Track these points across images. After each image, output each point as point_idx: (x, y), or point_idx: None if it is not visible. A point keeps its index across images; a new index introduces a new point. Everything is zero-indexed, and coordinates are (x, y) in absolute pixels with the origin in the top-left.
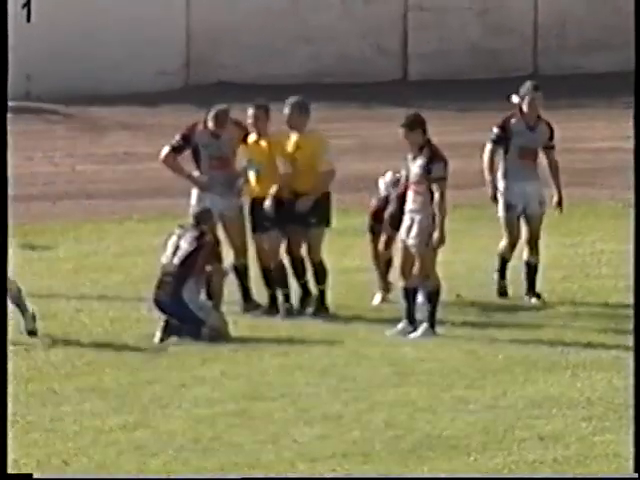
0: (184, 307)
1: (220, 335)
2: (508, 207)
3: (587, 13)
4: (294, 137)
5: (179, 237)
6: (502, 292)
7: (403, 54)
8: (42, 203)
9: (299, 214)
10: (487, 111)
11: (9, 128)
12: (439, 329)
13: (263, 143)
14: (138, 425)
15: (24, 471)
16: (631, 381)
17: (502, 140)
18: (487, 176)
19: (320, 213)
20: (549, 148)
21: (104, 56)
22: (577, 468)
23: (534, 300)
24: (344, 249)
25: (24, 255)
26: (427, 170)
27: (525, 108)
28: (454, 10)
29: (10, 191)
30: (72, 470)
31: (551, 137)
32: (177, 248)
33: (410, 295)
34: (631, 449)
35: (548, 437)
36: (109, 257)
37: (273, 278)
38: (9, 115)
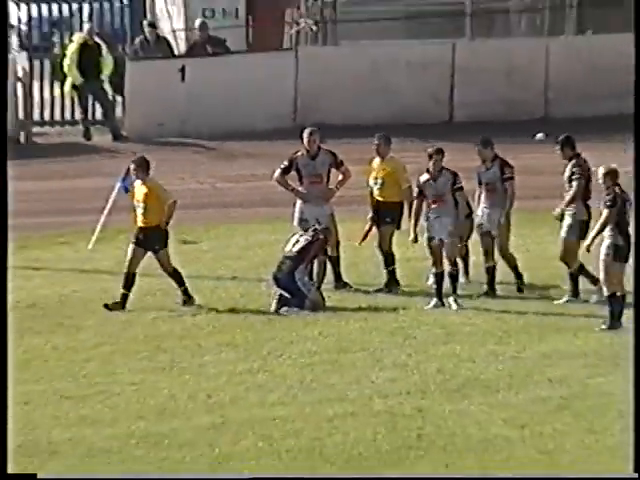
0: (294, 284)
1: (318, 306)
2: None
3: (584, 73)
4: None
5: (300, 235)
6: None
7: (450, 102)
8: (191, 210)
9: (384, 216)
10: (510, 145)
11: (170, 157)
12: (478, 302)
13: (384, 164)
14: (260, 370)
15: (181, 401)
16: (631, 374)
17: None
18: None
19: (394, 216)
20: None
21: (237, 104)
22: (576, 402)
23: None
24: (408, 244)
25: (179, 248)
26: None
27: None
28: (488, 70)
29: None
30: (212, 401)
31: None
32: (297, 242)
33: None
34: (631, 449)
35: (555, 380)
36: (238, 249)
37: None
38: (170, 148)
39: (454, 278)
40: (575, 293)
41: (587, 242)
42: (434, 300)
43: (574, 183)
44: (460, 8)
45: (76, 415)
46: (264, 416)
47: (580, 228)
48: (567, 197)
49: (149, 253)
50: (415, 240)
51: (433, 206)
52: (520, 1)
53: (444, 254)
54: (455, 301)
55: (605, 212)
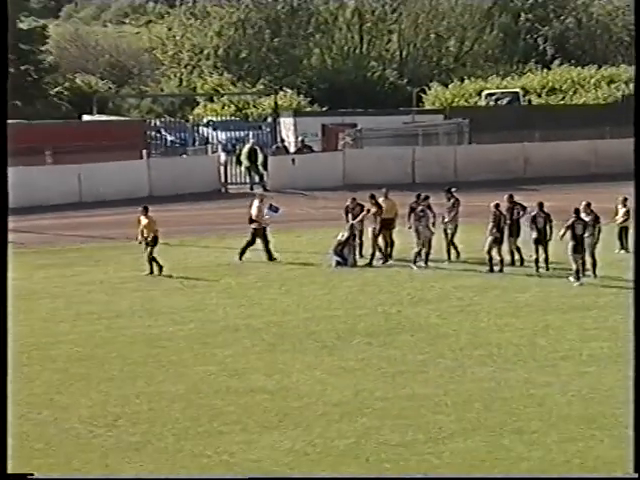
0: (342, 254)
1: (354, 265)
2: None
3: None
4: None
5: (343, 231)
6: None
7: (412, 174)
8: (303, 222)
9: None
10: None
11: (284, 199)
12: None
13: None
14: (326, 287)
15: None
16: (631, 373)
17: None
18: None
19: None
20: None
21: (319, 174)
22: (591, 341)
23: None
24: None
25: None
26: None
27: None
28: (422, 159)
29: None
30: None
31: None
32: (341, 235)
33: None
34: (631, 449)
35: (582, 328)
36: (322, 241)
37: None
38: (285, 195)
39: None
40: None
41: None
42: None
43: None
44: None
45: None
46: None
47: None
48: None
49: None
50: None
51: None
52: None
53: None
54: None
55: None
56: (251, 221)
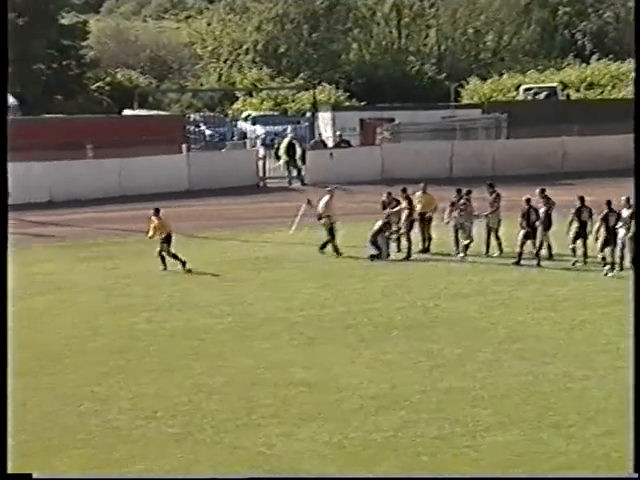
0: (376, 243)
1: (387, 256)
2: None
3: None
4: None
5: (377, 222)
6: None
7: (450, 167)
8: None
9: None
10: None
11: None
12: None
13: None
14: (364, 280)
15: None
16: (631, 373)
17: None
18: None
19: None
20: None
21: (351, 168)
22: (628, 336)
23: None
24: None
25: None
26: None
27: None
28: (461, 154)
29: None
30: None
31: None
32: (376, 225)
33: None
34: (631, 449)
35: (619, 322)
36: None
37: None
38: (324, 189)
39: None
40: None
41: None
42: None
43: None
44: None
45: None
46: None
47: None
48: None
49: None
50: None
51: None
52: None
53: None
54: None
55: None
56: (320, 217)
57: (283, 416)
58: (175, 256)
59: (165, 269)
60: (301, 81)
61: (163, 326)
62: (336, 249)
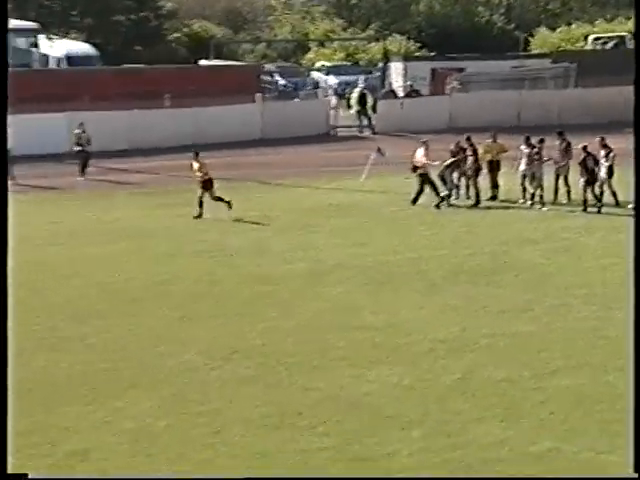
0: (444, 179)
1: (451, 190)
2: None
3: None
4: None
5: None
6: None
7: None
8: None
9: None
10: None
11: (392, 140)
12: None
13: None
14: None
15: None
16: (631, 373)
17: None
18: None
19: None
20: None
21: (426, 115)
22: (596, 273)
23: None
24: None
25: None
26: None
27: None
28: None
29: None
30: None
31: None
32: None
33: None
34: (631, 449)
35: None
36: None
37: None
38: (391, 137)
39: None
40: None
41: None
42: None
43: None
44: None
45: None
46: None
47: None
48: None
49: None
50: None
51: None
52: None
53: None
54: None
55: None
56: (415, 168)
57: (354, 359)
58: (219, 198)
59: (200, 216)
60: (372, 32)
61: (237, 272)
62: (438, 195)
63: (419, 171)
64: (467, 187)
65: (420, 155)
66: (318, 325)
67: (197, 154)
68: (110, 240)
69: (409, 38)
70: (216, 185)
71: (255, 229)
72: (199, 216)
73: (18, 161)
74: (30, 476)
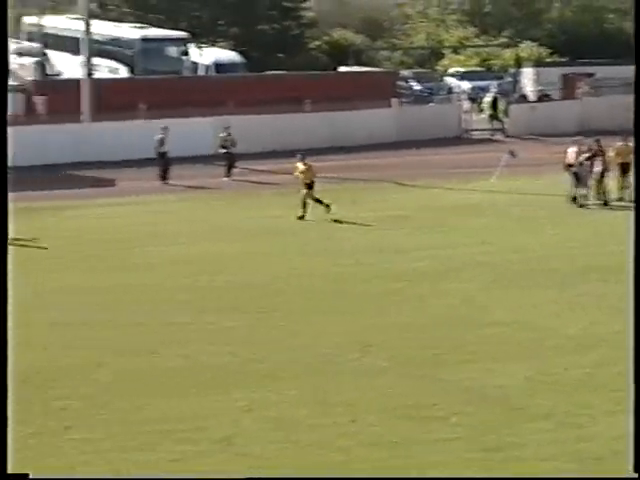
0: (577, 174)
1: (585, 186)
2: None
3: None
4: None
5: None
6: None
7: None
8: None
9: None
10: None
11: (523, 144)
12: None
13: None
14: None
15: None
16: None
17: None
18: None
19: None
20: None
21: (535, 115)
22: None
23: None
24: None
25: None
26: None
27: None
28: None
29: None
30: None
31: None
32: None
33: None
34: (631, 449)
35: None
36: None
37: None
38: (521, 140)
39: None
40: None
41: None
42: None
43: None
44: None
45: None
46: None
47: None
48: None
49: None
50: None
51: None
52: None
53: None
54: None
55: None
56: (569, 166)
57: (484, 353)
58: (319, 200)
59: (304, 217)
60: (504, 39)
61: (368, 269)
62: (575, 198)
63: (572, 169)
64: (597, 188)
65: (572, 153)
66: (449, 321)
67: (304, 156)
68: (251, 237)
69: (540, 44)
70: (351, 185)
71: (389, 228)
72: (302, 217)
73: (170, 162)
74: (31, 476)
